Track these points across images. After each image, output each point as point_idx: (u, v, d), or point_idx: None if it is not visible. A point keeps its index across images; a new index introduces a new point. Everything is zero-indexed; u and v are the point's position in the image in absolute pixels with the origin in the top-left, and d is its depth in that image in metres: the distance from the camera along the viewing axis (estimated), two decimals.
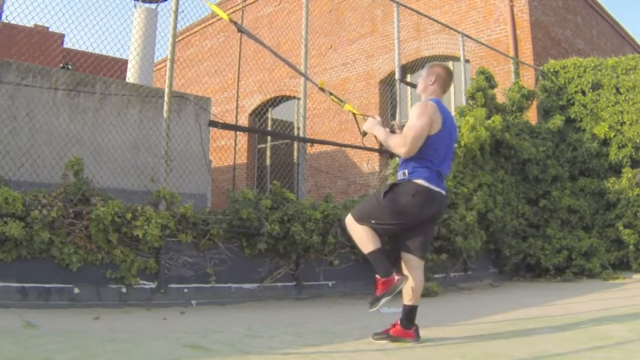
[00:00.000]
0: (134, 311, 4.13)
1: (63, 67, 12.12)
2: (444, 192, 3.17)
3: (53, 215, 4.01)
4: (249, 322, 3.82)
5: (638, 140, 7.93)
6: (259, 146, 13.33)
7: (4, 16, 4.51)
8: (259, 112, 13.53)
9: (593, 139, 8.28)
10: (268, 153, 12.99)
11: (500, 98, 8.21)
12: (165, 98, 4.99)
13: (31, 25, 10.58)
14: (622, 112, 8.18)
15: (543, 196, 7.80)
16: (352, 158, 11.16)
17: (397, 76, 7.22)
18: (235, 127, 9.92)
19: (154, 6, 13.32)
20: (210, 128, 6.46)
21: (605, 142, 8.28)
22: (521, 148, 7.54)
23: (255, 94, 13.23)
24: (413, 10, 8.09)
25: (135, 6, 13.10)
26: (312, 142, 5.88)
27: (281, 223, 4.94)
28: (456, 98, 9.31)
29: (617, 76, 8.54)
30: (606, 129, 8.22)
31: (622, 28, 14.01)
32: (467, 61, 8.69)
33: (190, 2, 15.11)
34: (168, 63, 5.10)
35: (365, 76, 11.57)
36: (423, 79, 3.31)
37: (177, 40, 5.33)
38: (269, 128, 13.26)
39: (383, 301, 3.02)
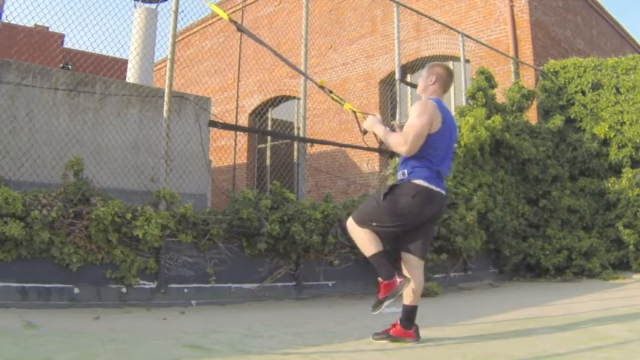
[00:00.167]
0: (134, 311, 4.13)
1: (63, 67, 12.12)
2: (444, 192, 3.17)
3: (53, 215, 4.01)
4: (249, 322, 3.82)
5: (638, 140, 7.93)
6: (259, 146, 13.33)
7: (4, 16, 4.51)
8: (259, 112, 13.54)
9: (593, 139, 8.28)
10: (268, 153, 13.00)
11: (500, 98, 8.21)
12: (166, 98, 4.99)
13: (31, 25, 10.59)
14: (622, 112, 8.18)
15: (543, 196, 7.80)
16: (352, 158, 11.16)
17: (397, 76, 7.23)
18: (235, 127, 9.92)
19: (154, 6, 13.32)
20: (210, 128, 6.46)
21: (605, 142, 8.28)
22: (521, 148, 7.54)
23: (255, 94, 13.23)
24: (413, 10, 8.09)
25: (135, 6, 13.12)
26: (312, 142, 5.87)
27: (281, 223, 4.94)
28: (456, 98, 9.31)
29: (617, 76, 8.54)
30: (606, 129, 8.22)
31: (622, 28, 14.01)
32: (467, 61, 8.69)
33: (190, 2, 15.11)
34: (168, 63, 5.10)
35: (365, 76, 11.57)
36: (423, 79, 3.30)
37: (177, 40, 5.33)
38: (269, 128, 13.26)
39: (386, 303, 3.02)
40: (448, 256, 6.10)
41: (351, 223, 3.22)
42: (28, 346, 2.75)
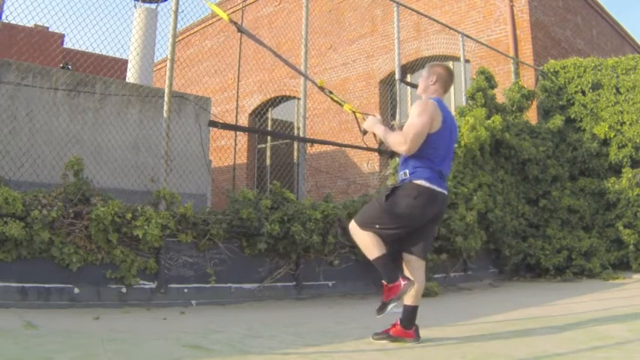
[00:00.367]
0: (134, 311, 4.13)
1: (63, 67, 12.12)
2: (445, 192, 3.16)
3: (53, 215, 4.01)
4: (249, 322, 3.82)
5: (638, 140, 7.93)
6: (259, 146, 13.33)
7: (4, 16, 4.51)
8: (259, 112, 13.53)
9: (593, 139, 8.28)
10: (268, 153, 12.99)
11: (500, 98, 8.21)
12: (166, 98, 4.99)
13: (31, 25, 10.58)
14: (622, 112, 8.18)
15: (543, 196, 7.80)
16: (352, 158, 11.16)
17: (397, 76, 7.23)
18: (235, 127, 9.92)
19: (154, 6, 13.32)
20: (210, 128, 6.46)
21: (605, 142, 8.28)
22: (521, 148, 7.54)
23: (255, 94, 13.23)
24: (413, 10, 8.09)
25: (135, 6, 13.11)
26: (312, 142, 5.87)
27: (281, 223, 4.94)
28: (456, 98, 9.31)
29: (617, 76, 8.54)
30: (606, 129, 8.22)
31: (622, 28, 14.01)
32: (467, 61, 8.69)
33: (190, 2, 15.12)
34: (168, 63, 5.10)
35: (365, 76, 11.57)
36: (423, 79, 3.30)
37: (177, 40, 5.33)
38: (269, 128, 13.26)
39: (390, 306, 3.02)
40: (448, 256, 6.10)
41: (353, 227, 3.21)
42: (28, 346, 2.75)
